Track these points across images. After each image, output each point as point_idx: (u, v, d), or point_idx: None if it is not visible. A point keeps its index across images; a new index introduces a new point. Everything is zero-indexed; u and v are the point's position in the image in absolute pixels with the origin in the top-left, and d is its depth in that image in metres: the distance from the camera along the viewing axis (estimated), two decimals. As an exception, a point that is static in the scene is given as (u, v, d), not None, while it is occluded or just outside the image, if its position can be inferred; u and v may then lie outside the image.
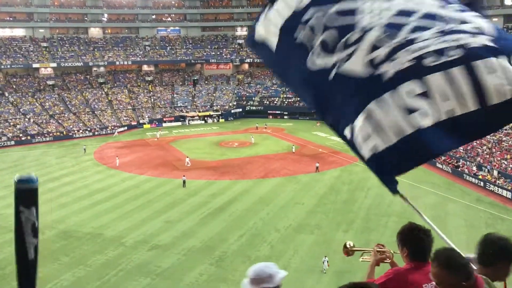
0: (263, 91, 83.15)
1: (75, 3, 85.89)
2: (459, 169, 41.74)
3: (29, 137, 61.08)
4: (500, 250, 2.83)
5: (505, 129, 47.48)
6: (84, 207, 33.40)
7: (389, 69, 2.48)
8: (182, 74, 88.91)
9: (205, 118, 75.97)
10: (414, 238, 3.15)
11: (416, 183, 38.55)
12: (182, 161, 48.03)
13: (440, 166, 44.11)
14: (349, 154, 48.02)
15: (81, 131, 65.67)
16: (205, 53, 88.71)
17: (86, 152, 53.47)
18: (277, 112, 78.34)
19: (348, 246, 3.78)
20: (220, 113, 77.65)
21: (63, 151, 54.68)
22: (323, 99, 2.82)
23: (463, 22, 2.57)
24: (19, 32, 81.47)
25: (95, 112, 72.75)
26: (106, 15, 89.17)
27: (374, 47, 2.56)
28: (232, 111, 78.62)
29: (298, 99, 77.85)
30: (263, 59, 3.37)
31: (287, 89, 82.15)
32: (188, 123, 74.05)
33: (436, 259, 2.52)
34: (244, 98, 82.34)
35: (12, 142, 59.23)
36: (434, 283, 2.63)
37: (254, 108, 79.72)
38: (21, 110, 68.09)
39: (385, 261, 3.50)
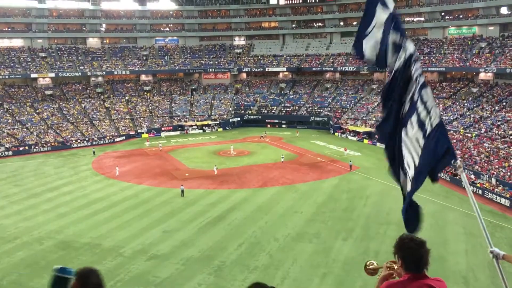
0: (261, 100, 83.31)
1: (74, 13, 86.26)
2: (457, 177, 41.73)
3: (27, 147, 60.99)
4: None
5: (503, 138, 47.64)
6: (82, 217, 33.26)
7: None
8: (180, 83, 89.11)
9: (203, 127, 76.04)
10: (405, 248, 3.13)
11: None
12: (181, 170, 48.00)
13: (438, 174, 44.10)
14: (347, 163, 48.10)
15: (79, 140, 65.60)
16: (203, 63, 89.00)
17: (84, 162, 53.47)
18: (275, 121, 78.47)
19: (369, 266, 3.58)
20: (218, 122, 77.77)
21: (61, 161, 54.60)
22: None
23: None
24: (17, 42, 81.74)
25: (93, 121, 72.75)
26: (104, 25, 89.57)
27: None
28: (230, 120, 78.75)
29: (296, 108, 78.25)
30: None
31: (285, 98, 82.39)
32: (186, 132, 74.12)
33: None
34: (242, 107, 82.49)
35: (10, 153, 59.12)
36: None
37: (252, 117, 79.85)
38: (19, 120, 68.07)
39: (393, 277, 3.45)
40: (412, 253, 3.10)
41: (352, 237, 28.54)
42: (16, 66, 76.48)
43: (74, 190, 41.11)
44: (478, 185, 38.79)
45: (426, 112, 3.72)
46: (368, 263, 3.61)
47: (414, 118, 3.78)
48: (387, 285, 3.13)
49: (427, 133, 3.74)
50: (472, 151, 46.30)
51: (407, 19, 79.92)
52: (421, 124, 3.76)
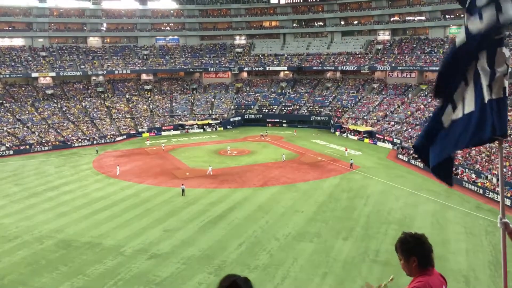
0: (262, 99, 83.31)
1: (74, 13, 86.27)
2: (458, 177, 41.72)
3: (27, 147, 61.02)
4: None
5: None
6: (83, 216, 33.28)
7: None
8: (181, 82, 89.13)
9: (204, 127, 76.05)
10: (421, 245, 3.20)
11: (416, 191, 38.56)
12: (181, 169, 48.00)
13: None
14: (347, 162, 48.06)
15: (80, 140, 65.63)
16: (203, 62, 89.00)
17: (85, 161, 53.49)
18: (275, 120, 78.49)
19: None
20: (219, 121, 77.79)
21: (62, 160, 54.63)
22: None
23: None
24: (18, 41, 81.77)
25: (94, 121, 72.80)
26: (105, 25, 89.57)
27: None
28: (231, 120, 78.76)
29: (297, 107, 78.21)
30: None
31: (286, 98, 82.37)
32: (187, 132, 74.15)
33: None
34: (243, 106, 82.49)
35: (11, 152, 59.17)
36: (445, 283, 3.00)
37: (253, 116, 79.85)
38: (20, 119, 68.12)
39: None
40: (427, 249, 3.21)
41: (353, 236, 28.53)
42: (17, 65, 76.51)
43: (75, 189, 41.13)
44: (479, 184, 38.78)
45: (489, 78, 2.91)
46: None
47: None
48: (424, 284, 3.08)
49: (485, 100, 2.92)
50: (473, 150, 46.23)
51: (408, 18, 79.90)
52: (480, 87, 2.98)
